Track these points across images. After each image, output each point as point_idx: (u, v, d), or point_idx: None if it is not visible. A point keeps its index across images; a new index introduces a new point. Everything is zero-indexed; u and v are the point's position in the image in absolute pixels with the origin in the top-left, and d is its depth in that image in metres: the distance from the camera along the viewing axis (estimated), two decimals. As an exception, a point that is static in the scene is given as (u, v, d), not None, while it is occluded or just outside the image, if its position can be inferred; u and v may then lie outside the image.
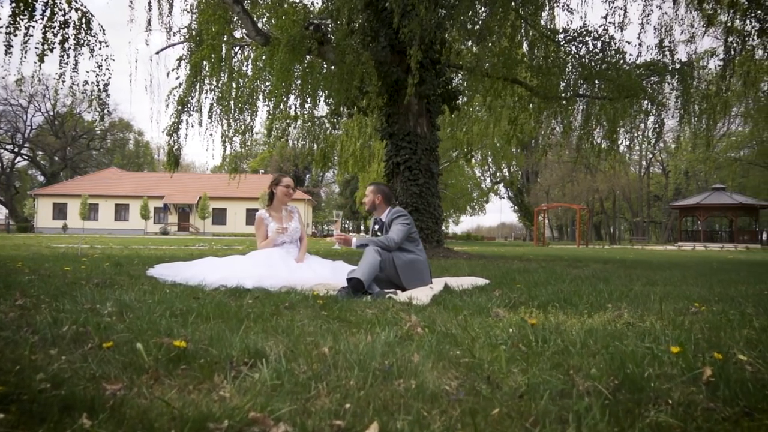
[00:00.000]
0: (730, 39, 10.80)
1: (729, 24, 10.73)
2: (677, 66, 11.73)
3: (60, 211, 48.96)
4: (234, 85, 11.54)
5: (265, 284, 4.12)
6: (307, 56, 10.28)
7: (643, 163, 54.75)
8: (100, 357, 1.81)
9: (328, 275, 4.64)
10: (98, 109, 9.27)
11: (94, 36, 8.87)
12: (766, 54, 11.76)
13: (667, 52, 11.74)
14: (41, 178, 63.88)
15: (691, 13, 11.24)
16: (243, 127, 12.00)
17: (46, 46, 8.40)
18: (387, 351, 1.96)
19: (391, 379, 1.61)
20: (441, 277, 5.09)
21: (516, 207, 58.31)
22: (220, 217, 50.62)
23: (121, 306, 2.91)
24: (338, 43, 10.13)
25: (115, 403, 1.34)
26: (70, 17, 8.69)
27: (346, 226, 65.98)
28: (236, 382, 1.57)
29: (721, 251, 22.28)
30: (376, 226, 4.68)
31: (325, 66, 11.20)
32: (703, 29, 11.25)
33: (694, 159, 38.96)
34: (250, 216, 49.91)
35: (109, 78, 9.12)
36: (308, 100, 10.93)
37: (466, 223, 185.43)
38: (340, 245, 4.55)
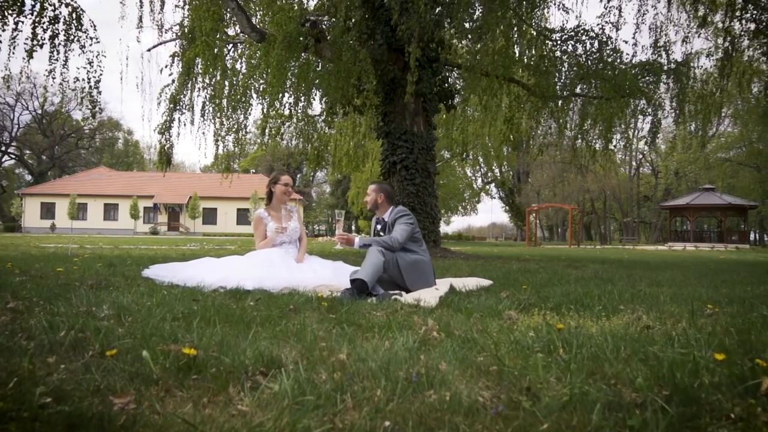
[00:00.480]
0: (726, 40, 10.82)
1: (725, 24, 10.75)
2: (672, 66, 11.71)
3: (48, 211, 48.31)
4: (227, 83, 11.37)
5: (266, 285, 4.00)
6: (303, 53, 10.13)
7: (633, 163, 55.05)
8: (104, 366, 1.68)
9: (330, 276, 4.51)
10: (89, 107, 9.08)
11: (85, 32, 8.70)
12: (758, 55, 11.80)
13: (662, 52, 11.73)
14: (29, 178, 63.12)
15: (682, 13, 11.26)
16: (236, 126, 11.85)
17: (35, 42, 8.23)
18: (409, 358, 1.84)
19: (421, 390, 1.50)
20: (444, 278, 4.99)
21: (507, 207, 58.37)
22: (210, 216, 50.22)
23: (119, 309, 2.77)
24: (335, 40, 9.98)
25: (127, 421, 1.21)
26: (60, 12, 8.53)
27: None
28: (255, 395, 1.45)
29: (711, 251, 22.40)
30: (378, 226, 4.56)
31: (320, 63, 11.05)
32: (695, 31, 11.27)
33: (685, 159, 39.26)
34: (241, 216, 49.61)
35: (101, 75, 8.95)
36: (302, 98, 10.78)
37: (457, 223, 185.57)
38: (343, 245, 4.43)
